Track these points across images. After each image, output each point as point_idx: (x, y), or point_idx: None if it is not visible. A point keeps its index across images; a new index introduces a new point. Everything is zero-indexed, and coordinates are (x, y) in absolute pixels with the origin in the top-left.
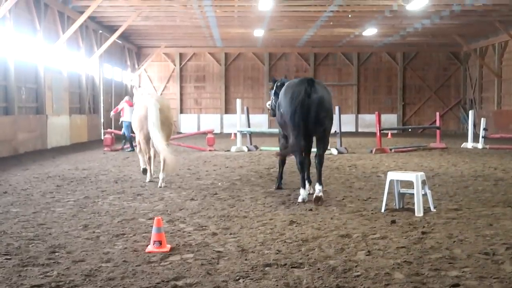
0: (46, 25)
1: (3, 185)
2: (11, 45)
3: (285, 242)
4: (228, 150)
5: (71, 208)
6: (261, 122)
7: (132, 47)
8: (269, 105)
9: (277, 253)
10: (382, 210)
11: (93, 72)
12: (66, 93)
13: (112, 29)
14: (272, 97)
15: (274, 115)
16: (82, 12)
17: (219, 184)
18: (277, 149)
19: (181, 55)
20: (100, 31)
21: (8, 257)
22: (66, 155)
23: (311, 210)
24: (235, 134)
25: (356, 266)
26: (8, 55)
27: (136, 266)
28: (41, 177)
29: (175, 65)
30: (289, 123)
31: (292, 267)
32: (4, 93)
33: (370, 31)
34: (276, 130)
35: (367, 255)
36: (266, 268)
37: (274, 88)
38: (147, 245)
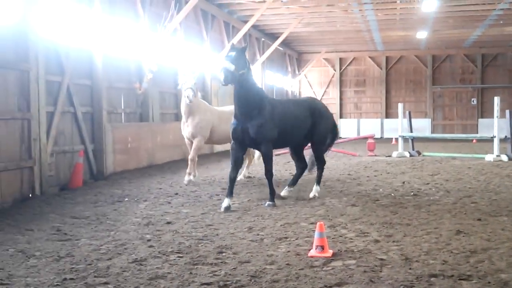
0: (212, 35)
1: (174, 187)
2: (182, 55)
3: (451, 252)
4: (389, 156)
5: (236, 211)
6: (424, 126)
7: (293, 53)
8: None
9: (443, 264)
10: None
11: (256, 79)
12: (231, 99)
13: (273, 36)
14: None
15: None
16: (246, 21)
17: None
18: (441, 154)
19: (341, 59)
20: (263, 39)
21: (180, 255)
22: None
23: (479, 219)
24: (396, 139)
25: None
26: (178, 65)
27: (299, 269)
28: (208, 180)
29: (335, 70)
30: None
31: (459, 279)
32: (176, 100)
33: None
34: (439, 135)
35: None
36: (432, 279)
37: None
38: (310, 249)
